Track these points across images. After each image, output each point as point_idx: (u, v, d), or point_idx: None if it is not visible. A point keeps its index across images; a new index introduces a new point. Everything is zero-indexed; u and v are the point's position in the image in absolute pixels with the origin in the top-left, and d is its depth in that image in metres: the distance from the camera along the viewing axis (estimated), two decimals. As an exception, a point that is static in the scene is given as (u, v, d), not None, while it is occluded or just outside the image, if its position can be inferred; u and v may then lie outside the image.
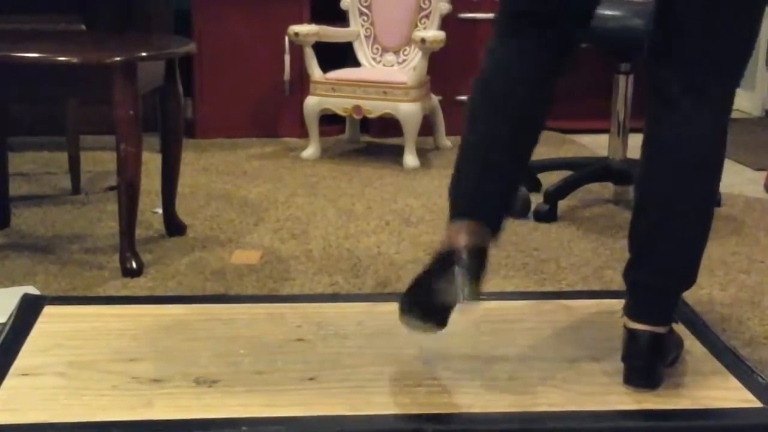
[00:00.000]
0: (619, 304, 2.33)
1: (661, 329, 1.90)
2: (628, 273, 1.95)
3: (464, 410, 1.82)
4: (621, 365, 1.97)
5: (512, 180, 1.97)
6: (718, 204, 3.47)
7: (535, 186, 3.59)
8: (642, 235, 1.93)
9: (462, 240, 1.86)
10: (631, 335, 1.90)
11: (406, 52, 4.21)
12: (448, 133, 4.29)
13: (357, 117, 4.09)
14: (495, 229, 1.91)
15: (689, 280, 1.94)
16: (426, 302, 1.89)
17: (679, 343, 2.02)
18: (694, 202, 1.89)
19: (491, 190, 1.92)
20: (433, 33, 4.05)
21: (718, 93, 1.87)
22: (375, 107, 3.99)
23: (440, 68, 4.26)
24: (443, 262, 1.87)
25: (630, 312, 1.92)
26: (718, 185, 1.96)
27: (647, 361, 1.90)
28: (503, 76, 1.95)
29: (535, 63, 1.93)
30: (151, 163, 3.37)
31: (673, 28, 1.86)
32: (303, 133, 4.23)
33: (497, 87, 1.94)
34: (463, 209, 1.91)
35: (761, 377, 1.96)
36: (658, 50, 1.90)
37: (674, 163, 1.87)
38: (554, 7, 1.92)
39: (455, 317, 2.20)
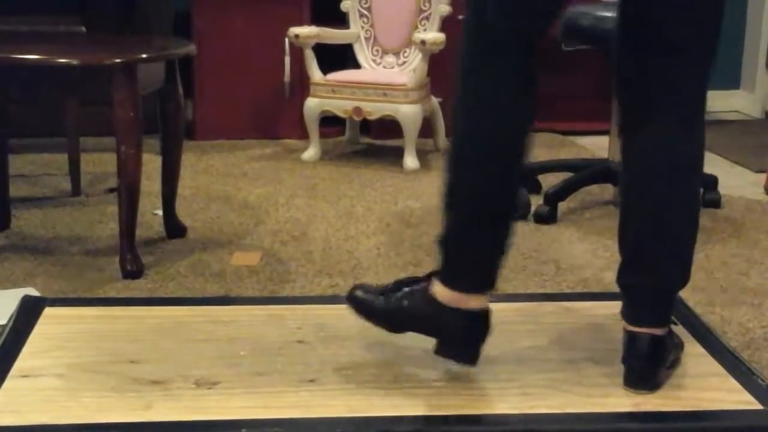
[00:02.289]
0: (619, 306, 2.33)
1: (659, 331, 1.90)
2: (621, 277, 1.95)
3: (463, 412, 1.82)
4: (620, 367, 1.96)
5: (513, 217, 1.97)
6: (718, 205, 3.48)
7: (535, 188, 3.59)
8: (633, 238, 1.93)
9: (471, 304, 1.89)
10: (630, 338, 1.90)
11: (406, 54, 4.21)
12: (448, 134, 4.28)
13: (357, 119, 4.09)
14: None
15: (683, 279, 1.95)
16: (395, 320, 1.92)
17: (679, 346, 2.02)
18: (683, 201, 1.90)
19: (500, 254, 1.92)
20: (433, 35, 4.05)
21: (695, 91, 1.87)
22: (375, 109, 3.99)
23: (440, 70, 4.25)
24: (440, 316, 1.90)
25: (627, 316, 1.92)
26: (701, 180, 1.98)
27: (646, 364, 1.90)
28: (492, 115, 1.88)
29: (518, 93, 1.87)
30: (151, 164, 3.37)
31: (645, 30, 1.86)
32: (303, 135, 4.23)
33: (489, 130, 1.89)
34: (475, 284, 1.91)
35: (761, 379, 1.96)
36: (629, 53, 1.89)
37: (659, 165, 1.87)
38: (524, 28, 1.85)
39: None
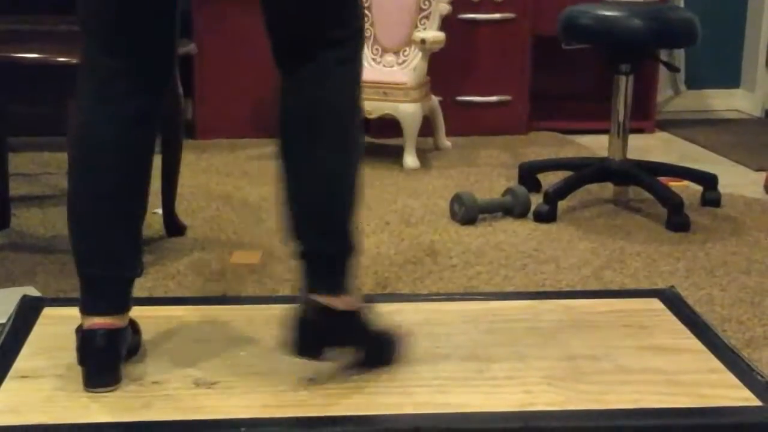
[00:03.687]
0: (618, 303, 2.34)
1: (335, 301, 1.88)
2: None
3: (463, 410, 1.83)
4: (620, 364, 1.97)
5: None
6: (718, 204, 3.48)
7: (535, 186, 3.59)
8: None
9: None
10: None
11: (406, 53, 4.21)
12: (448, 133, 4.29)
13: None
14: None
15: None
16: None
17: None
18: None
19: None
20: (433, 34, 4.05)
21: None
22: (375, 108, 3.99)
23: (440, 69, 4.26)
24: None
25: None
26: (352, 135, 1.97)
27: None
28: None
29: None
30: (151, 163, 3.36)
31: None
32: (303, 134, 4.22)
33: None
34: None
35: (760, 375, 1.96)
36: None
37: (299, 120, 1.87)
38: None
39: (455, 317, 2.21)
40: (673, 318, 2.27)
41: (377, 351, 1.98)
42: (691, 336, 2.16)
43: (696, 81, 5.10)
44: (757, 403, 1.87)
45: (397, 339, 2.01)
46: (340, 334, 1.92)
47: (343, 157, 1.91)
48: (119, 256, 1.87)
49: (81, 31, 1.86)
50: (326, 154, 1.88)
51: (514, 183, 3.54)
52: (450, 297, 2.44)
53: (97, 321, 1.84)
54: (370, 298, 2.41)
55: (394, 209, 3.37)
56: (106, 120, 1.83)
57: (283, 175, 1.89)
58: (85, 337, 1.84)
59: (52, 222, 3.15)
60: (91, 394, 1.84)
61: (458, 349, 2.06)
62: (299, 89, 1.88)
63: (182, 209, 3.18)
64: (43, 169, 3.81)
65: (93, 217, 1.85)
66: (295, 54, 1.88)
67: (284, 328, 1.90)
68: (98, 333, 1.83)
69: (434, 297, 2.40)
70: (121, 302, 1.89)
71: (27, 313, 2.21)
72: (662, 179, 3.48)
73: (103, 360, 1.86)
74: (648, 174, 3.43)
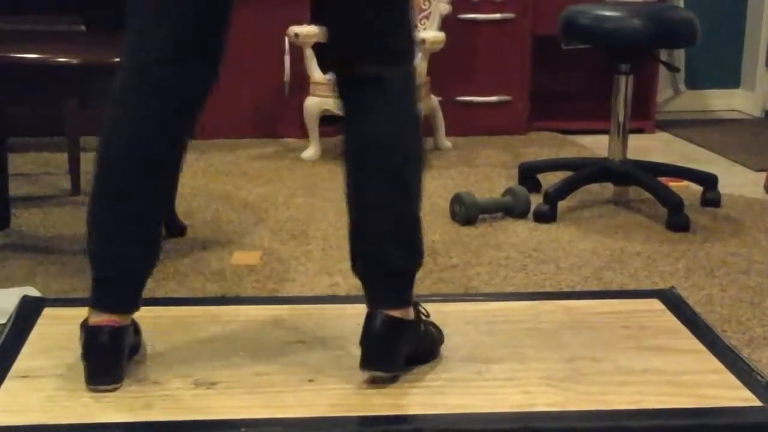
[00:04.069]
0: (619, 304, 2.34)
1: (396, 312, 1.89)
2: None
3: (463, 411, 1.82)
4: (621, 365, 1.97)
5: None
6: (718, 204, 3.48)
7: (535, 186, 3.59)
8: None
9: None
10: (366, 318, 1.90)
11: (406, 53, 4.21)
12: (448, 133, 4.29)
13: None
14: None
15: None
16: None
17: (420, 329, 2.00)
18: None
19: None
20: (433, 34, 4.05)
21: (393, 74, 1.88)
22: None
23: (440, 69, 4.26)
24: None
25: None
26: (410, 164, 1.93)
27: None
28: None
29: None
30: (151, 164, 3.36)
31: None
32: (303, 134, 4.23)
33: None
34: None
35: (761, 376, 1.96)
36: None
37: (365, 148, 1.88)
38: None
39: (455, 318, 2.20)
40: (674, 318, 2.27)
41: (432, 346, 2.02)
42: (692, 336, 2.16)
43: (696, 81, 5.10)
44: (758, 403, 1.87)
45: (438, 328, 2.05)
46: (412, 342, 1.94)
47: (412, 174, 1.91)
48: (134, 257, 1.88)
49: (128, 31, 1.85)
50: (397, 178, 1.89)
51: (514, 183, 3.54)
52: (450, 297, 2.44)
53: (104, 318, 1.84)
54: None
55: (394, 209, 3.37)
56: (148, 118, 1.86)
57: (354, 198, 1.91)
58: (89, 333, 1.85)
59: (52, 222, 3.15)
60: (91, 394, 1.84)
61: (458, 350, 2.06)
62: (364, 114, 1.89)
63: (182, 209, 3.18)
64: (43, 169, 3.81)
65: (111, 216, 1.86)
66: (356, 75, 1.88)
67: (356, 346, 1.91)
68: (103, 330, 1.84)
69: (434, 297, 2.40)
70: (131, 302, 1.90)
71: (27, 314, 2.20)
72: (662, 179, 3.48)
73: (107, 357, 1.86)
74: (648, 174, 3.43)
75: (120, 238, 1.86)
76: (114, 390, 1.86)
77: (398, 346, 1.90)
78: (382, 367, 1.89)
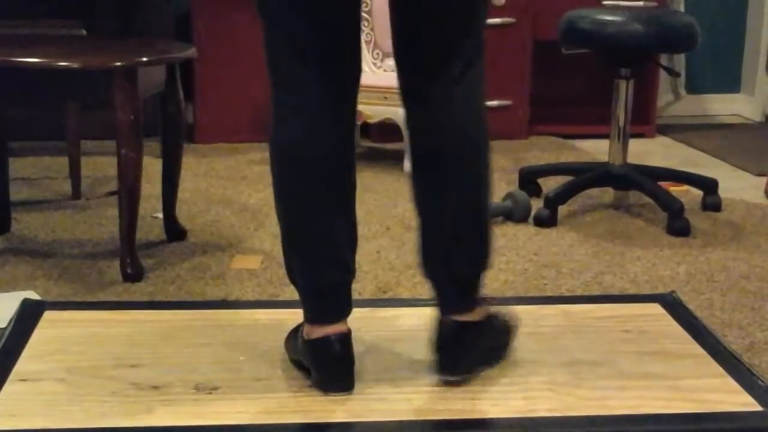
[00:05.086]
0: (619, 308, 2.34)
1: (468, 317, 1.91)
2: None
3: (463, 416, 1.82)
4: (621, 370, 1.96)
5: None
6: (719, 209, 3.48)
7: (536, 191, 3.59)
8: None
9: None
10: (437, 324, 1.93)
11: (406, 57, 4.21)
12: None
13: (357, 122, 4.08)
14: None
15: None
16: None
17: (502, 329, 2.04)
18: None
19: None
20: (433, 38, 4.04)
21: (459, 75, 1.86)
22: (375, 112, 3.99)
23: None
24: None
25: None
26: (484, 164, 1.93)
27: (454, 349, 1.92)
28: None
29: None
30: (152, 167, 3.37)
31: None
32: (303, 138, 4.22)
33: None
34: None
35: (761, 380, 1.96)
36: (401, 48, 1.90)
37: (434, 149, 1.87)
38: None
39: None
40: (674, 323, 2.27)
41: (505, 338, 2.05)
42: (692, 341, 2.16)
43: (696, 85, 5.10)
44: (758, 408, 1.87)
45: (508, 315, 2.08)
46: (484, 343, 1.97)
47: (481, 178, 1.91)
48: (345, 262, 1.89)
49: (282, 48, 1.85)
50: (466, 180, 1.89)
51: (514, 188, 3.54)
52: (450, 302, 2.43)
53: (330, 329, 1.87)
54: (371, 303, 2.41)
55: (395, 214, 3.37)
56: (324, 131, 1.85)
57: (422, 203, 1.91)
58: (319, 346, 1.87)
59: (52, 226, 3.15)
60: (92, 398, 1.84)
61: (459, 354, 2.06)
62: (431, 114, 1.88)
63: (183, 213, 3.18)
64: (44, 173, 3.81)
65: (325, 225, 1.86)
66: (425, 74, 1.87)
67: (429, 352, 1.94)
68: (334, 340, 1.86)
69: (435, 302, 2.40)
70: (348, 306, 1.92)
71: (28, 317, 2.21)
72: (662, 184, 3.48)
73: (343, 366, 1.89)
74: (648, 179, 3.43)
75: (337, 245, 1.87)
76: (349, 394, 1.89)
77: (470, 350, 1.93)
78: (457, 373, 1.93)
